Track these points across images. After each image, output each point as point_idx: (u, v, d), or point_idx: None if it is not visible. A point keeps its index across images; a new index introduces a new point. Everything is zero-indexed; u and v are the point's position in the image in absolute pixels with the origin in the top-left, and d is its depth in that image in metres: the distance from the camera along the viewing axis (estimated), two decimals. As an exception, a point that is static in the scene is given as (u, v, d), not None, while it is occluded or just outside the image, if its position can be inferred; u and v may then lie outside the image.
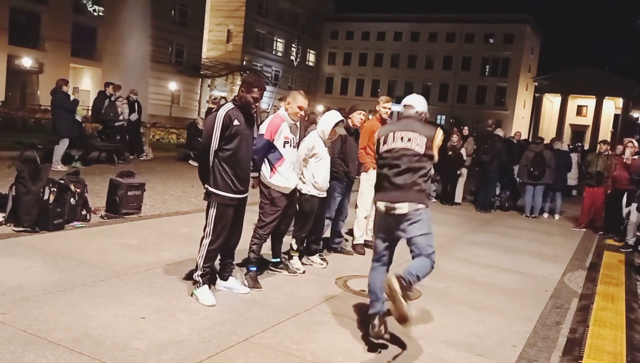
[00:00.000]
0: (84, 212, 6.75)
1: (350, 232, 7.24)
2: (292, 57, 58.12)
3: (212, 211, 4.50)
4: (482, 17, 57.75)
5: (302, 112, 5.15)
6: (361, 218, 6.98)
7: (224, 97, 14.91)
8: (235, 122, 4.39)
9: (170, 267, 5.30)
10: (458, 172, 12.58)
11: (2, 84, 32.15)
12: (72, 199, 6.50)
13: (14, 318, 3.72)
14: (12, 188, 6.20)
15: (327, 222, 6.45)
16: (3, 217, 6.15)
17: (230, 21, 50.98)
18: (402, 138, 3.93)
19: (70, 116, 11.55)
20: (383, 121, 7.06)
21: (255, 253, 5.10)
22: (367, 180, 6.94)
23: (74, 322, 3.76)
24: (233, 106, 4.48)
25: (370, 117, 7.55)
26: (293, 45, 57.69)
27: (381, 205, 3.95)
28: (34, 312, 3.86)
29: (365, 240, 7.07)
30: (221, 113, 4.42)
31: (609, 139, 11.68)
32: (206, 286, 4.52)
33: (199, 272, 4.51)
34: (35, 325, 3.64)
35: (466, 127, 15.29)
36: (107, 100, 13.28)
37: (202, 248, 4.52)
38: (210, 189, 4.48)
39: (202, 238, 4.54)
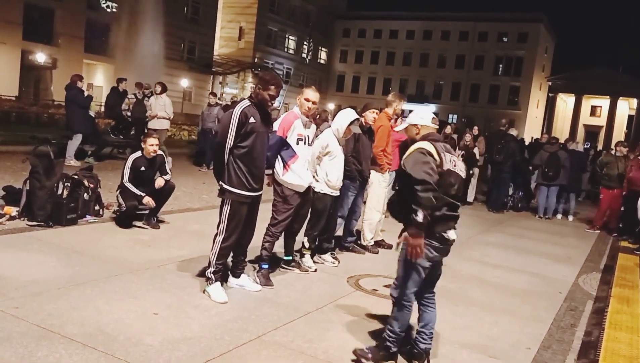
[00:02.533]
0: (97, 207, 6.78)
1: (358, 232, 7.19)
2: (304, 55, 58.10)
3: (226, 209, 4.48)
4: (495, 16, 57.38)
5: (311, 105, 5.08)
6: (374, 220, 6.92)
7: (214, 94, 14.98)
8: (251, 120, 4.36)
9: (182, 264, 5.31)
10: (470, 172, 12.49)
11: (16, 80, 32.40)
12: (85, 195, 6.53)
13: (27, 312, 3.73)
14: (26, 182, 6.24)
15: (340, 221, 6.42)
16: (17, 211, 6.18)
17: (242, 18, 51.07)
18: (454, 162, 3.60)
19: (84, 111, 11.60)
20: (394, 120, 7.03)
21: (268, 251, 5.09)
22: (383, 181, 6.91)
23: (87, 317, 3.77)
24: (249, 103, 4.46)
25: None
26: (305, 42, 57.67)
27: (453, 234, 3.67)
28: (47, 307, 3.87)
29: (375, 241, 7.04)
30: (237, 110, 4.39)
31: (623, 140, 11.50)
32: (218, 283, 4.51)
33: (211, 269, 4.50)
34: (48, 320, 3.65)
35: (476, 127, 15.20)
36: (122, 96, 13.41)
37: (215, 245, 4.51)
38: (225, 186, 4.45)
39: (215, 235, 4.53)
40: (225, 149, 4.38)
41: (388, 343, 3.57)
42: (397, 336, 3.56)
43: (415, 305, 3.66)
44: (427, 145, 3.48)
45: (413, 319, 3.68)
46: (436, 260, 3.63)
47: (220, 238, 4.49)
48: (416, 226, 3.36)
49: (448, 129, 13.35)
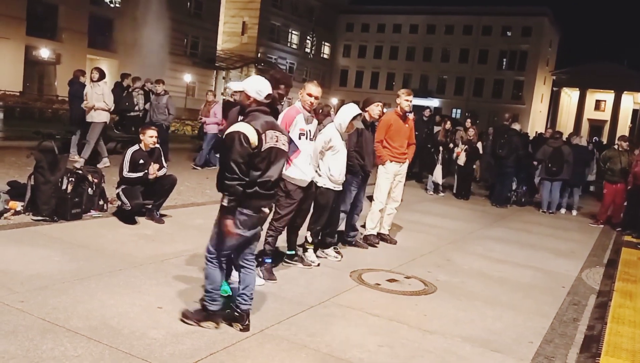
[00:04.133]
0: (101, 202, 6.81)
1: (364, 225, 7.22)
2: (307, 50, 57.99)
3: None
4: (500, 10, 57.04)
5: (313, 100, 5.08)
6: (376, 210, 6.97)
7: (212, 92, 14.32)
8: None
9: (185, 258, 5.33)
10: (474, 166, 12.49)
11: (20, 75, 32.44)
12: (89, 190, 6.55)
13: (32, 306, 3.76)
14: (31, 177, 6.28)
15: (342, 215, 6.44)
16: (22, 206, 6.22)
17: (246, 13, 50.97)
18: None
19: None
20: (404, 115, 7.03)
21: (271, 246, 5.10)
22: (385, 173, 6.93)
23: (92, 311, 3.80)
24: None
25: (385, 110, 7.51)
26: (308, 37, 57.55)
27: (267, 210, 3.99)
28: (52, 301, 3.90)
29: (379, 233, 7.06)
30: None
31: (627, 134, 11.46)
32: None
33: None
34: (53, 314, 3.68)
35: (469, 121, 14.72)
36: (125, 91, 13.34)
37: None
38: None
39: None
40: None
41: (205, 303, 3.82)
42: (210, 294, 3.80)
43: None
44: (246, 128, 3.65)
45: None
46: (254, 228, 3.83)
47: None
48: (223, 209, 3.69)
49: (448, 125, 13.37)
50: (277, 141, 3.80)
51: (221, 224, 3.70)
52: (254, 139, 3.62)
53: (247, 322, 3.82)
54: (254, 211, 3.75)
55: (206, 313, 3.80)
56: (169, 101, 11.98)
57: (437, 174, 12.70)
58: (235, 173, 3.59)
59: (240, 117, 3.96)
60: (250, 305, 3.88)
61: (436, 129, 14.22)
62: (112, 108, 10.83)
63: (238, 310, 3.83)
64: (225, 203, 3.66)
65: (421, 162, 13.72)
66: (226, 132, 3.73)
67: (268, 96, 3.84)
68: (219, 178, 3.74)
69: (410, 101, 6.99)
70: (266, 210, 3.89)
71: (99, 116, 10.48)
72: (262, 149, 3.67)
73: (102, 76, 10.63)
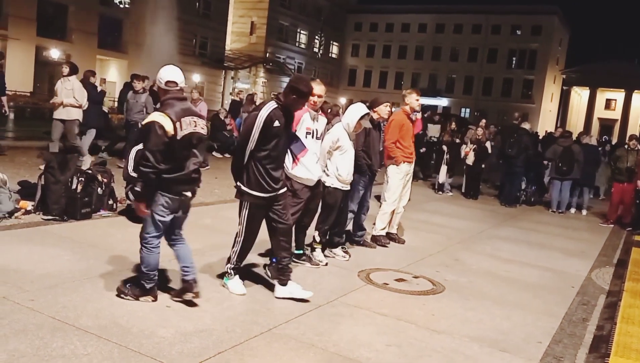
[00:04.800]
0: (110, 202, 6.85)
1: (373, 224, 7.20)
2: (315, 49, 57.99)
3: (245, 212, 4.45)
4: (509, 9, 56.78)
5: (317, 99, 5.05)
6: (388, 211, 6.94)
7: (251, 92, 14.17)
8: (276, 123, 4.25)
9: (194, 257, 5.33)
10: (482, 166, 12.45)
11: (30, 75, 32.70)
12: (99, 189, 6.60)
13: (42, 305, 3.80)
14: (41, 177, 6.33)
15: (350, 215, 6.44)
16: (32, 206, 6.27)
17: (254, 13, 51.05)
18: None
19: (98, 107, 11.68)
20: (409, 114, 7.02)
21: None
22: (398, 173, 6.92)
23: (101, 310, 3.83)
24: (276, 105, 4.33)
25: (393, 110, 7.51)
26: (316, 37, 57.55)
27: (189, 194, 4.24)
28: (62, 299, 3.93)
29: (387, 232, 7.05)
30: (263, 114, 4.26)
31: (637, 134, 11.34)
32: (237, 277, 4.57)
33: (230, 265, 4.55)
34: (63, 312, 3.71)
35: (484, 121, 14.75)
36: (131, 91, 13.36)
37: (236, 245, 4.54)
38: (243, 188, 4.40)
39: (237, 235, 4.54)
40: (246, 151, 4.29)
41: (142, 282, 4.06)
42: (146, 275, 4.04)
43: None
44: (160, 118, 3.82)
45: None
46: (176, 211, 4.08)
47: (240, 239, 4.51)
48: (137, 194, 4.03)
49: (453, 125, 13.34)
50: (195, 126, 3.98)
51: (136, 209, 4.02)
52: (169, 128, 3.79)
53: (196, 289, 4.08)
54: (175, 195, 3.97)
55: (142, 290, 4.07)
56: (148, 100, 11.00)
57: (442, 174, 12.69)
58: (150, 161, 3.78)
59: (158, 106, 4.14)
60: (194, 273, 4.13)
61: (430, 127, 14.25)
62: (85, 105, 9.96)
63: (185, 281, 4.10)
64: (138, 189, 4.01)
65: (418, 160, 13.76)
66: (144, 123, 3.97)
67: (167, 83, 4.00)
68: (135, 164, 3.99)
69: (419, 102, 7.03)
70: (188, 194, 4.10)
71: (69, 114, 9.67)
72: (180, 137, 3.84)
73: (73, 70, 9.94)
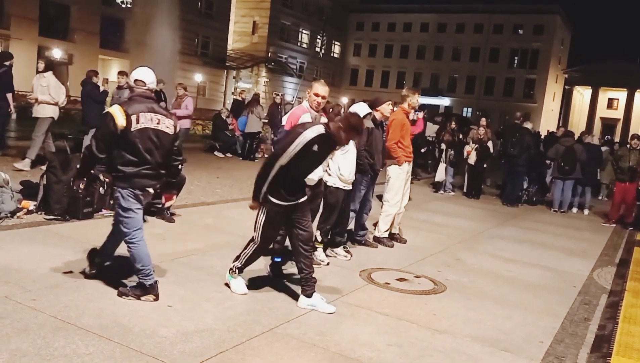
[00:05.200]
0: (112, 201, 6.83)
1: (375, 225, 7.20)
2: (317, 49, 57.97)
3: (262, 217, 4.40)
4: (511, 8, 56.69)
5: (320, 100, 5.06)
6: (392, 213, 6.92)
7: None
8: (315, 148, 4.18)
9: (195, 257, 5.36)
10: (484, 165, 12.44)
11: (32, 75, 32.60)
12: (101, 189, 6.60)
13: (44, 304, 3.80)
14: (43, 177, 6.34)
15: (352, 215, 6.44)
16: (34, 205, 6.28)
17: (256, 12, 51.07)
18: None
19: (100, 106, 11.67)
20: (407, 113, 7.03)
21: (280, 244, 5.12)
22: (401, 174, 6.91)
23: (103, 309, 3.83)
24: (324, 131, 4.19)
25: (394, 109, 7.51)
26: (318, 36, 57.52)
27: (151, 190, 4.30)
28: (64, 299, 3.94)
29: (390, 233, 7.04)
30: (307, 136, 4.14)
31: (638, 133, 11.33)
32: (241, 277, 4.58)
33: (238, 264, 4.55)
34: (65, 312, 3.72)
35: (484, 119, 14.74)
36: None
37: (249, 248, 4.53)
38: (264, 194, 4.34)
39: (252, 238, 4.51)
40: (276, 164, 4.20)
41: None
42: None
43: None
44: (116, 111, 4.00)
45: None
46: (143, 203, 4.21)
47: (255, 244, 4.49)
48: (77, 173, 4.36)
49: (453, 124, 13.34)
50: (158, 123, 4.10)
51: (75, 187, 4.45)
52: (121, 121, 3.94)
53: (157, 292, 4.13)
54: (138, 188, 4.09)
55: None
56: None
57: (440, 173, 12.70)
58: (93, 148, 4.00)
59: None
60: (150, 277, 4.12)
61: (428, 125, 14.28)
62: (62, 102, 9.62)
63: (144, 285, 4.11)
64: (78, 166, 4.35)
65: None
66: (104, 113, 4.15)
67: (136, 81, 4.19)
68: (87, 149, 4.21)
69: (417, 101, 7.05)
70: (151, 190, 4.20)
71: (44, 111, 9.33)
72: (133, 129, 3.97)
73: (49, 66, 9.58)
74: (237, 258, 4.60)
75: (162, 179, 4.26)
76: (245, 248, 4.57)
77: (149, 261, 4.14)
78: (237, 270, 4.56)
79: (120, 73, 11.76)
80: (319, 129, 4.19)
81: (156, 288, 4.14)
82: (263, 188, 4.27)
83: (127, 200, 4.07)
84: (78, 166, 4.22)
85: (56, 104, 9.44)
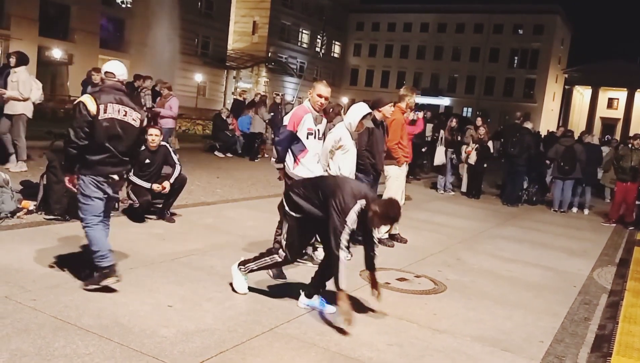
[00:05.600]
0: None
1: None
2: (317, 49, 57.96)
3: (285, 228, 4.32)
4: (511, 8, 56.70)
5: (323, 100, 5.07)
6: None
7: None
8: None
9: (196, 257, 5.36)
10: (484, 165, 12.44)
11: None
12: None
13: (44, 304, 3.80)
14: (43, 177, 6.34)
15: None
16: (34, 206, 6.28)
17: (256, 12, 51.07)
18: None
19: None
20: (403, 113, 7.04)
21: (280, 244, 5.11)
22: (401, 174, 6.92)
23: (103, 309, 3.83)
24: (363, 207, 3.99)
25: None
26: (318, 36, 57.50)
27: (116, 177, 4.39)
28: (64, 299, 3.94)
29: (390, 235, 7.04)
30: (356, 210, 3.97)
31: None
32: (246, 277, 4.51)
33: (254, 268, 4.44)
34: (65, 312, 3.72)
35: (479, 119, 14.77)
36: (135, 91, 13.35)
37: (271, 260, 4.38)
38: (287, 209, 4.28)
39: (276, 248, 4.42)
40: (345, 235, 3.99)
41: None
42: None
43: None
44: (85, 98, 4.18)
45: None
46: (105, 191, 4.30)
47: (280, 254, 4.36)
48: (63, 168, 4.44)
49: (453, 123, 13.35)
50: (125, 115, 4.27)
51: (67, 182, 4.39)
52: (92, 107, 4.11)
53: (117, 273, 4.18)
54: (102, 176, 4.23)
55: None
56: None
57: (439, 156, 12.67)
58: (72, 136, 4.10)
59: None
60: (107, 259, 4.17)
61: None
62: (36, 99, 9.17)
63: (106, 267, 4.17)
64: (63, 162, 4.36)
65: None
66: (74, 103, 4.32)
67: (106, 73, 4.36)
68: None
69: (414, 101, 7.06)
70: (115, 177, 4.31)
71: (13, 108, 8.85)
72: (100, 118, 4.13)
73: (20, 61, 8.88)
74: (255, 259, 4.46)
75: (125, 167, 4.42)
76: (266, 255, 4.40)
77: (105, 247, 4.23)
78: (248, 272, 4.46)
79: (95, 70, 11.47)
80: (361, 204, 3.97)
81: (115, 269, 4.20)
82: (341, 278, 3.95)
83: (88, 187, 4.22)
84: (63, 162, 4.35)
85: (26, 100, 8.94)
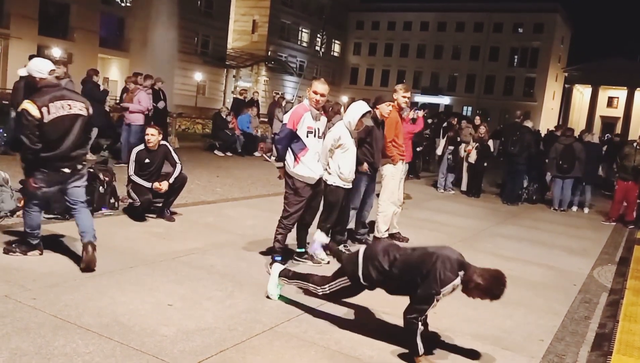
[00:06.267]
0: (112, 200, 6.85)
1: (372, 224, 7.19)
2: (317, 48, 57.95)
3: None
4: (511, 7, 56.66)
5: (319, 97, 5.05)
6: (389, 213, 6.90)
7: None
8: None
9: (196, 256, 5.36)
10: (485, 164, 12.44)
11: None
12: (100, 188, 6.61)
13: (44, 303, 3.80)
14: (43, 176, 6.32)
15: (352, 213, 6.43)
16: (34, 204, 6.27)
17: (256, 11, 51.02)
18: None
19: (100, 106, 11.67)
20: (400, 111, 7.00)
21: (280, 243, 5.12)
22: (397, 173, 6.89)
23: (103, 308, 3.83)
24: (461, 280, 3.62)
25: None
26: (318, 35, 57.50)
27: (67, 169, 4.63)
28: (64, 298, 3.94)
29: (390, 234, 7.04)
30: (456, 283, 3.60)
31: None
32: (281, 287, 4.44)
33: (293, 284, 4.35)
34: (65, 311, 3.72)
35: (478, 118, 14.90)
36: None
37: (313, 287, 4.14)
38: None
39: (323, 284, 4.11)
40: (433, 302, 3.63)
41: (27, 240, 4.69)
42: (30, 234, 4.65)
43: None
44: (26, 105, 4.29)
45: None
46: (57, 184, 4.59)
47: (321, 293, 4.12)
48: (24, 172, 4.56)
49: (455, 121, 13.37)
50: (70, 109, 4.44)
51: (25, 184, 4.58)
52: (35, 112, 4.26)
53: (91, 251, 4.56)
54: (52, 170, 4.46)
55: (29, 246, 4.68)
56: (69, 86, 8.60)
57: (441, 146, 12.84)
58: (27, 144, 4.29)
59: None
60: (90, 237, 4.60)
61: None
62: None
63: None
64: (22, 167, 4.53)
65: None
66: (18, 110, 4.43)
67: (51, 72, 4.49)
68: (15, 142, 4.55)
69: (408, 98, 6.87)
70: (66, 170, 4.54)
71: None
72: (47, 120, 4.29)
73: None
74: (299, 278, 4.25)
75: (78, 160, 4.62)
76: (310, 282, 4.16)
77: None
78: (285, 283, 4.34)
79: (94, 70, 11.73)
80: (461, 276, 3.62)
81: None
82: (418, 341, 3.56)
83: (40, 179, 4.46)
84: (22, 166, 4.53)
85: None
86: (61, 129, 4.40)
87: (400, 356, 3.67)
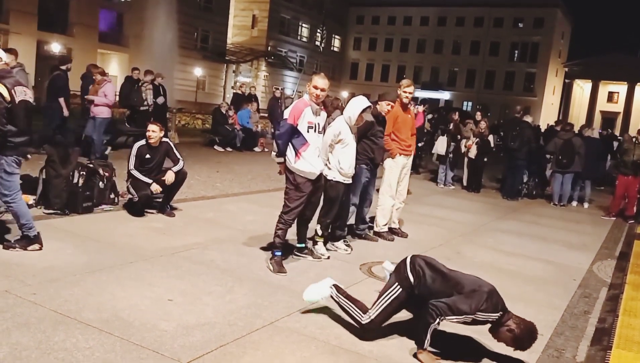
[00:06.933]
0: (112, 196, 6.85)
1: (372, 219, 7.20)
2: (317, 43, 57.83)
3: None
4: (511, 1, 56.48)
5: (319, 92, 5.02)
6: (388, 206, 6.91)
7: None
8: None
9: (196, 251, 5.36)
10: (485, 159, 12.43)
11: (32, 70, 32.55)
12: (100, 183, 6.60)
13: (44, 298, 3.80)
14: (43, 171, 6.33)
15: (352, 208, 6.43)
16: (34, 200, 6.27)
17: (256, 6, 50.90)
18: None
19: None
20: (404, 106, 6.97)
21: (281, 238, 5.11)
22: (395, 167, 6.89)
23: (103, 303, 3.83)
24: (498, 317, 3.63)
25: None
26: (318, 30, 57.35)
27: (29, 156, 4.96)
28: (64, 293, 3.94)
29: (390, 228, 7.03)
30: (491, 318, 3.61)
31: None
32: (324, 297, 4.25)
33: (337, 301, 4.09)
34: (65, 306, 3.72)
35: (479, 113, 14.90)
36: (136, 85, 13.35)
37: (357, 314, 3.90)
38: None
39: (367, 310, 3.91)
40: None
41: (25, 233, 4.74)
42: (26, 225, 4.73)
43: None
44: (1, 88, 4.41)
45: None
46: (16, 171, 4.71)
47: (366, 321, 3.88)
48: None
49: (455, 115, 13.34)
50: (25, 95, 4.59)
51: None
52: (6, 94, 4.41)
53: (41, 241, 4.77)
54: (21, 155, 4.64)
55: (28, 240, 4.73)
56: (20, 75, 8.28)
57: (441, 144, 12.76)
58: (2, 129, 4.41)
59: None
60: (33, 229, 4.75)
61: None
62: None
63: (29, 236, 4.74)
64: None
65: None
66: None
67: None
68: None
69: (409, 93, 6.82)
70: (29, 156, 4.84)
71: None
72: (16, 102, 4.45)
73: None
74: (347, 299, 3.99)
75: (33, 145, 4.88)
76: (356, 307, 3.91)
77: (30, 217, 4.76)
78: (330, 297, 4.11)
79: (94, 66, 11.87)
80: (498, 316, 3.60)
81: (40, 238, 4.76)
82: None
83: (11, 166, 4.59)
84: None
85: None
86: (25, 113, 4.58)
87: (400, 350, 3.68)
